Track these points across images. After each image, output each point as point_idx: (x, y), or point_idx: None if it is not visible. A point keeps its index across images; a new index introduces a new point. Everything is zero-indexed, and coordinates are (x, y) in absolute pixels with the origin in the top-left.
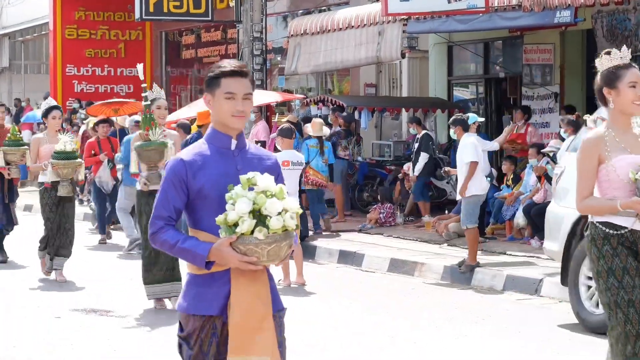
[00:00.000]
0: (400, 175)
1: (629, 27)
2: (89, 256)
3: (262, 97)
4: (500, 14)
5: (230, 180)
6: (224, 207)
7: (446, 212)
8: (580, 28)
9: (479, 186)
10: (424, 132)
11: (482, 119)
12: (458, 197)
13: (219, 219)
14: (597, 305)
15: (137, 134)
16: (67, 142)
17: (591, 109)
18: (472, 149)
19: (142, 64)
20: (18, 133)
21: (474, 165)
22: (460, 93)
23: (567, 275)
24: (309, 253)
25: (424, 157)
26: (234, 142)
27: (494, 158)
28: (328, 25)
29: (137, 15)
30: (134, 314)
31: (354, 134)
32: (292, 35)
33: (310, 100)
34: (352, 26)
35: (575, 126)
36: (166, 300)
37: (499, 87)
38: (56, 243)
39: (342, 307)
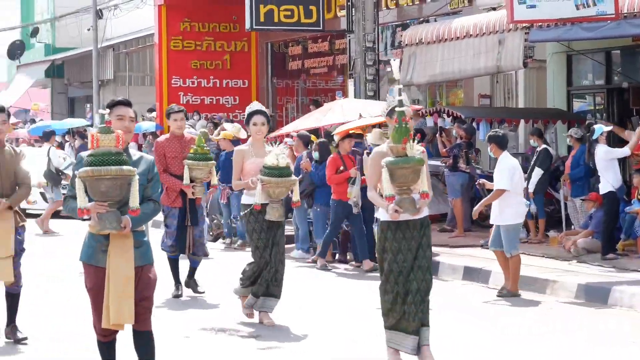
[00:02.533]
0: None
1: None
2: (220, 269)
3: (380, 107)
4: (630, 21)
5: None
6: None
7: (572, 227)
8: None
9: (516, 214)
10: (543, 146)
11: (610, 128)
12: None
13: None
14: None
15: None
16: (279, 155)
17: None
18: (507, 175)
19: (397, 60)
20: (205, 145)
21: (499, 192)
22: (580, 104)
23: None
24: (432, 269)
25: (537, 173)
26: None
27: (623, 170)
28: (445, 34)
29: (247, 25)
30: (264, 334)
31: (474, 146)
32: (406, 44)
33: (426, 112)
34: (471, 35)
35: None
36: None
37: (621, 97)
38: (266, 278)
39: (484, 329)
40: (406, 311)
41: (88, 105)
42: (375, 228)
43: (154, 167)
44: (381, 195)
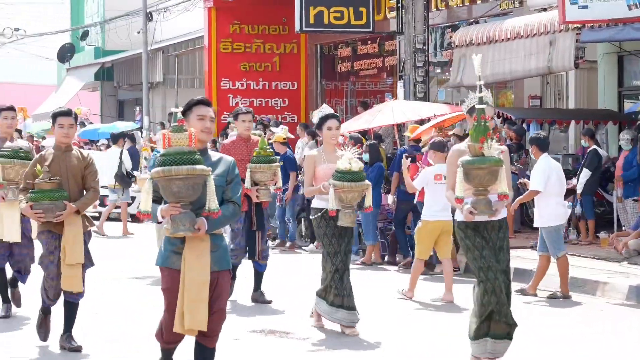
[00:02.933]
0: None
1: None
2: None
3: (431, 109)
4: None
5: None
6: None
7: (623, 228)
8: None
9: (556, 215)
10: (592, 147)
11: None
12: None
13: None
14: None
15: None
16: (352, 159)
17: None
18: (541, 176)
19: (479, 56)
20: (268, 147)
21: (532, 193)
22: (630, 105)
23: None
24: None
25: (585, 174)
26: None
27: None
28: (495, 35)
29: (297, 27)
30: (314, 336)
31: (525, 147)
32: (456, 46)
33: None
34: (522, 36)
35: None
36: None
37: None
38: (341, 288)
39: (533, 332)
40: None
41: (137, 107)
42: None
43: (234, 169)
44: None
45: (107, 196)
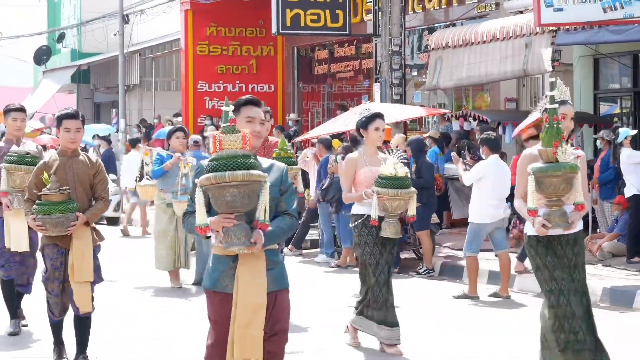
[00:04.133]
0: None
1: None
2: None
3: (407, 111)
4: None
5: None
6: None
7: (598, 230)
8: None
9: (484, 215)
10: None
11: (635, 131)
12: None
13: None
14: None
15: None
16: (397, 163)
17: None
18: (474, 173)
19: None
20: (289, 148)
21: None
22: (606, 107)
23: None
24: (456, 273)
25: None
26: None
27: None
28: (471, 38)
29: (273, 29)
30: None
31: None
32: (433, 48)
33: (452, 115)
34: (497, 38)
35: None
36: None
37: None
38: (383, 302)
39: (512, 333)
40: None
41: (114, 110)
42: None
43: (287, 177)
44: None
45: None
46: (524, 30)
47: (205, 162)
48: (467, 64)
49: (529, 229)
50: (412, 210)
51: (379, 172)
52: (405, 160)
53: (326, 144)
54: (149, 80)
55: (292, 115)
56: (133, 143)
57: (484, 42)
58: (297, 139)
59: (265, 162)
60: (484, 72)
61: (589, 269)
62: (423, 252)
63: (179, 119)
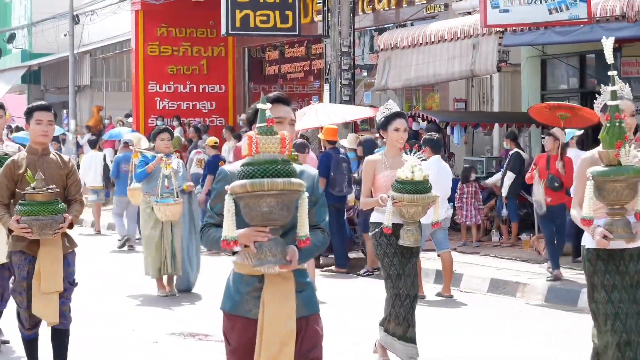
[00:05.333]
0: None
1: None
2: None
3: (356, 112)
4: (603, 25)
5: None
6: None
7: None
8: None
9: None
10: (515, 150)
11: (581, 132)
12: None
13: None
14: None
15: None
16: (414, 166)
17: None
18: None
19: None
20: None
21: None
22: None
23: None
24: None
25: (509, 177)
26: None
27: None
28: (420, 39)
29: (223, 30)
30: None
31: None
32: (381, 49)
33: None
34: (445, 39)
35: None
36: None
37: (595, 101)
38: (404, 316)
39: (452, 332)
40: None
41: (64, 111)
42: None
43: (318, 185)
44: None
45: None
46: (471, 32)
47: (228, 167)
48: (415, 64)
49: (588, 241)
50: (436, 216)
51: (396, 175)
52: (425, 162)
53: None
54: (99, 80)
55: (243, 116)
56: (93, 144)
57: (432, 43)
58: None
59: (296, 167)
60: (432, 73)
61: (534, 268)
62: (367, 253)
63: (130, 119)
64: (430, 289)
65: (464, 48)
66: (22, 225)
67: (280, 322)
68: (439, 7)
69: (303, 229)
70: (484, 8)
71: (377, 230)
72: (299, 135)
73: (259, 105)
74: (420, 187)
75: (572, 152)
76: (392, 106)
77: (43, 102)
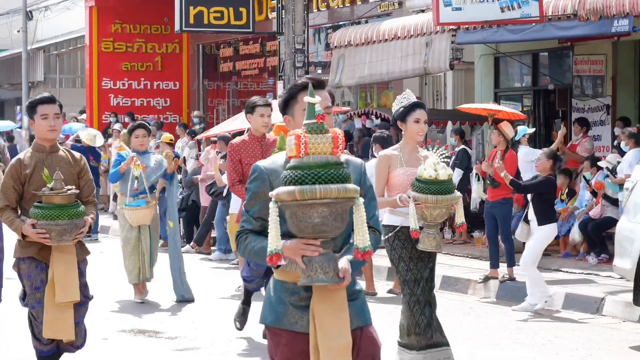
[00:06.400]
0: None
1: None
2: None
3: None
4: (555, 24)
5: None
6: None
7: None
8: (633, 38)
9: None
10: (462, 147)
11: (533, 130)
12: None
13: None
14: None
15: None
16: (437, 164)
17: None
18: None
19: None
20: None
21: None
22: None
23: None
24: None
25: (457, 174)
26: None
27: None
28: (373, 37)
29: (177, 27)
30: (183, 335)
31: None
32: (335, 46)
33: (355, 113)
34: (399, 37)
35: (636, 139)
36: None
37: (548, 99)
38: (424, 324)
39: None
40: None
41: (18, 107)
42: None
43: (366, 177)
44: None
45: None
46: (425, 29)
47: (264, 164)
48: (369, 62)
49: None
50: (460, 218)
51: (416, 173)
52: (448, 160)
53: (226, 141)
54: (53, 77)
55: (196, 112)
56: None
57: (386, 40)
58: (200, 136)
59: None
60: (386, 71)
61: (486, 265)
62: None
63: (84, 116)
64: (382, 285)
65: (417, 46)
66: (39, 230)
67: (334, 336)
68: (393, 4)
69: (363, 239)
70: (437, 6)
71: (390, 234)
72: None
73: (308, 99)
74: (445, 187)
75: (524, 149)
76: (410, 96)
77: (46, 94)
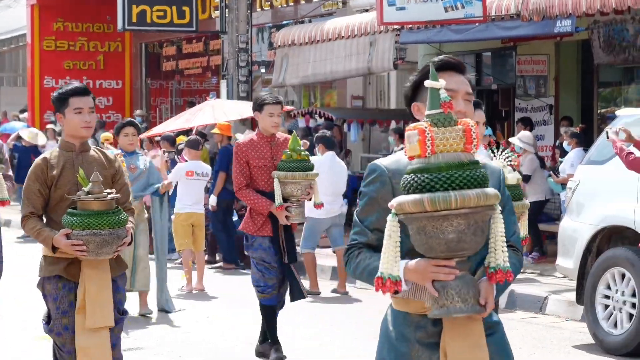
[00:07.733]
0: None
1: (627, 37)
2: None
3: (249, 109)
4: (498, 24)
5: None
6: None
7: None
8: (575, 39)
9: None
10: (401, 146)
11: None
12: None
13: None
14: (615, 325)
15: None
16: (504, 167)
17: (586, 120)
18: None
19: None
20: (302, 149)
21: None
22: None
23: (582, 293)
24: (300, 269)
25: None
26: None
27: None
28: (317, 36)
29: (119, 25)
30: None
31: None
32: (279, 46)
33: (298, 113)
34: (342, 37)
35: (579, 138)
36: None
37: (491, 98)
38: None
39: (346, 330)
40: None
41: None
42: None
43: (504, 186)
44: None
45: None
46: (368, 29)
47: (385, 162)
48: (312, 61)
49: None
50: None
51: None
52: (513, 163)
53: (170, 141)
54: None
55: (139, 111)
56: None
57: (330, 40)
58: (142, 135)
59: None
60: (329, 70)
61: None
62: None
63: (25, 115)
64: (326, 285)
65: (361, 45)
66: (74, 241)
67: None
68: (337, 4)
69: (502, 256)
70: (380, 6)
71: None
72: (196, 132)
73: (429, 83)
74: (514, 194)
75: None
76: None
77: (78, 84)
